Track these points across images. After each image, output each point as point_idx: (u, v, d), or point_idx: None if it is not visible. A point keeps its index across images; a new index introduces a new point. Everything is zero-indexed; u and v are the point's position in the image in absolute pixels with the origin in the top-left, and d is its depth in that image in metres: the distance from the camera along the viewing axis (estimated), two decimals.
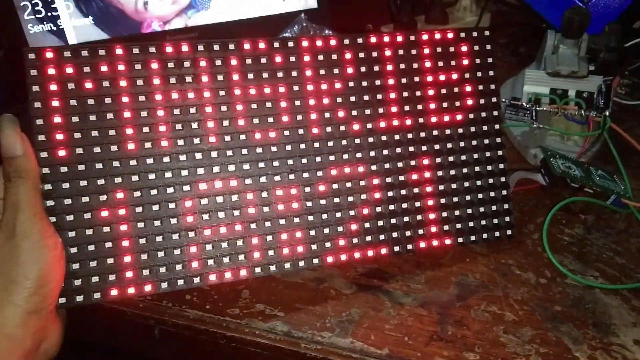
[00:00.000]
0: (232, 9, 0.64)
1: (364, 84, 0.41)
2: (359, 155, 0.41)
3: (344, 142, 0.41)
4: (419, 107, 0.43)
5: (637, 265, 0.44)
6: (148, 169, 0.37)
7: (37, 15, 0.57)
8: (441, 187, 0.43)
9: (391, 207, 0.42)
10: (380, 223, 0.42)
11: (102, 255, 0.36)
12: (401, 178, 0.42)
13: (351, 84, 0.41)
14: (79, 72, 0.36)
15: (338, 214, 0.41)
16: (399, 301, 0.40)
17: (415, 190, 0.43)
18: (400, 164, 0.42)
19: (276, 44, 0.40)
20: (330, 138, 0.41)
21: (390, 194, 0.42)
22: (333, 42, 0.41)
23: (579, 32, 0.56)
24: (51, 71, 0.36)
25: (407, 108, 0.42)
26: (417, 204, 0.43)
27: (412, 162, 0.43)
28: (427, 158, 0.43)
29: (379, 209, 0.42)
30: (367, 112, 0.42)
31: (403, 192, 0.42)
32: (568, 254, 0.45)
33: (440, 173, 0.43)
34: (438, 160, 0.43)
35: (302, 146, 0.40)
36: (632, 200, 0.48)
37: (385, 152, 0.42)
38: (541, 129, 0.55)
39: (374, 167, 0.42)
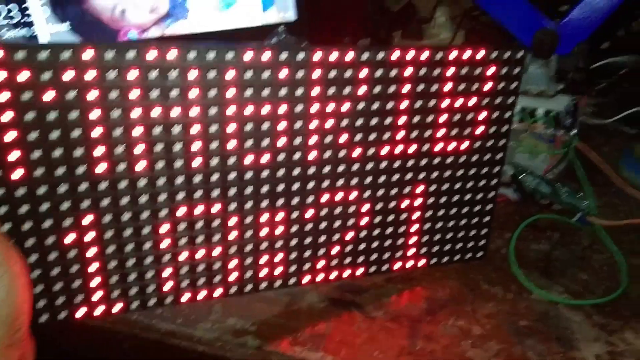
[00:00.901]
0: (210, 19, 0.62)
1: (375, 106, 0.36)
2: (354, 181, 0.38)
3: (341, 167, 0.37)
4: (427, 133, 0.39)
5: (599, 281, 0.45)
6: (121, 192, 0.33)
7: (11, 21, 0.54)
8: (428, 214, 0.42)
9: (375, 231, 0.41)
10: (361, 247, 0.41)
11: (68, 278, 0.33)
12: (392, 204, 0.40)
13: (360, 105, 0.36)
14: (37, 79, 0.29)
15: (322, 238, 0.39)
16: (370, 315, 0.41)
17: (403, 216, 0.41)
18: (393, 191, 0.40)
19: (284, 56, 0.33)
20: (328, 163, 0.37)
21: (377, 219, 0.40)
22: (350, 56, 0.34)
23: (549, 52, 0.56)
24: (1, 75, 0.28)
25: (414, 134, 0.38)
26: (402, 229, 0.41)
27: (407, 189, 0.40)
28: (423, 185, 0.40)
29: (363, 234, 0.40)
30: (372, 137, 0.37)
31: (390, 217, 0.41)
32: (534, 270, 0.46)
33: (431, 200, 0.41)
34: (432, 188, 0.41)
35: (296, 171, 0.36)
36: (597, 217, 0.50)
37: (382, 178, 0.39)
38: (510, 146, 0.55)
39: (367, 194, 0.39)
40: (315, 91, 0.34)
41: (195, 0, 0.63)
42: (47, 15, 0.55)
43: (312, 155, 0.36)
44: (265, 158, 0.35)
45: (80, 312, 0.35)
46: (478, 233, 0.44)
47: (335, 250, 0.40)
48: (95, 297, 0.35)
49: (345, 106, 0.36)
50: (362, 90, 0.36)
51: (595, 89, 0.68)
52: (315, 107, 0.35)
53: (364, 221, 0.40)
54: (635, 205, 0.54)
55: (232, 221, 0.36)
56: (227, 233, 0.36)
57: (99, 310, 0.35)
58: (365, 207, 0.39)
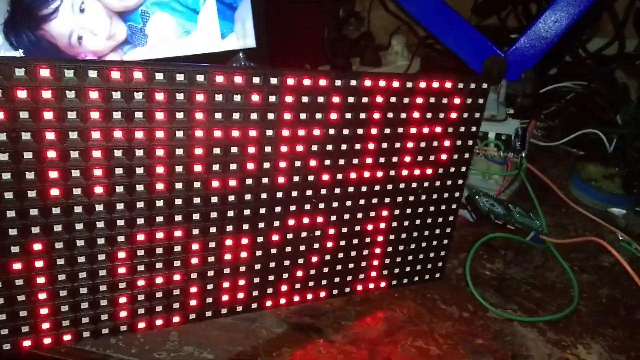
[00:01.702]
0: (169, 46, 0.61)
1: (345, 132, 0.36)
2: (321, 205, 0.37)
3: (309, 192, 0.37)
4: (394, 159, 0.38)
5: (552, 298, 0.47)
6: (75, 218, 0.30)
7: None
8: (392, 237, 0.42)
9: (340, 255, 0.40)
10: (325, 269, 0.40)
11: (14, 309, 0.31)
12: (357, 228, 0.40)
13: (332, 131, 0.35)
14: None
15: (286, 262, 0.38)
16: (330, 338, 0.41)
17: (367, 239, 0.41)
18: (359, 215, 0.39)
19: (256, 79, 0.31)
20: (296, 188, 0.36)
21: (342, 242, 0.40)
22: (323, 82, 0.33)
23: (498, 79, 0.59)
24: None
25: (382, 160, 0.38)
26: (365, 252, 0.41)
27: (372, 213, 0.40)
28: (387, 209, 0.40)
29: (327, 257, 0.40)
30: (341, 162, 0.37)
31: (355, 241, 0.40)
32: (489, 288, 0.47)
33: (394, 224, 0.41)
34: (397, 212, 0.41)
35: (264, 195, 0.35)
36: (548, 236, 0.52)
37: (349, 203, 0.38)
38: None
39: (333, 218, 0.38)
40: (287, 116, 0.33)
41: (154, 27, 0.61)
42: (0, 41, 0.52)
43: (281, 179, 0.35)
44: (232, 182, 0.34)
45: (26, 343, 0.32)
46: (437, 255, 0.45)
47: (299, 273, 0.39)
48: (44, 326, 0.32)
49: (317, 131, 0.35)
50: (333, 116, 0.35)
51: (543, 113, 0.70)
52: (286, 132, 0.34)
53: (329, 245, 0.39)
54: (584, 224, 0.56)
55: (195, 246, 0.34)
56: (189, 259, 0.34)
57: (47, 340, 0.33)
58: (331, 231, 0.39)
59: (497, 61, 0.59)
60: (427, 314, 0.44)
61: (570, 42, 0.78)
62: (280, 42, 0.69)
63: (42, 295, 0.31)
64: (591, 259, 0.52)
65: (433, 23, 0.66)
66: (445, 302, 0.45)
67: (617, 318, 0.44)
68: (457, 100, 0.38)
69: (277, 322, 0.41)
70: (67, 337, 0.33)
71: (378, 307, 0.44)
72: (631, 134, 0.63)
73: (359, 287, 0.42)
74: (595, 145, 0.67)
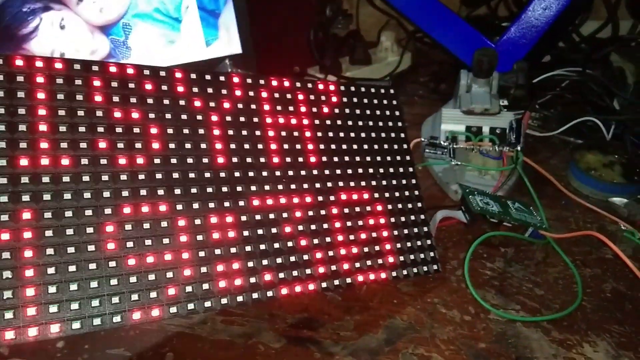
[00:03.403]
0: (153, 56, 0.61)
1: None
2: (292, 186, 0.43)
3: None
4: (344, 146, 0.46)
5: (555, 295, 0.45)
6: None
7: None
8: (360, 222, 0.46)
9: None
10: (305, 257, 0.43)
11: None
12: (322, 212, 0.44)
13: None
14: None
15: (276, 245, 0.42)
16: (329, 351, 0.40)
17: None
18: (320, 198, 0.44)
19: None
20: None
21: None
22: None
23: (489, 71, 0.58)
24: None
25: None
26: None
27: (332, 197, 0.45)
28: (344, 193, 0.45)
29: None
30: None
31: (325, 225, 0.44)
32: (490, 289, 0.46)
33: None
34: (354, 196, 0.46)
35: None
36: (548, 231, 0.50)
37: (306, 185, 0.44)
38: (460, 166, 0.56)
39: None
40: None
41: (137, 38, 0.60)
42: None
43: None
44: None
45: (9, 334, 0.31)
46: (424, 244, 0.47)
47: (292, 258, 0.42)
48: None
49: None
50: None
51: (538, 103, 0.69)
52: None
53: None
54: (585, 215, 0.55)
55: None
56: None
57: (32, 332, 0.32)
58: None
59: (487, 54, 0.57)
60: (428, 319, 0.43)
61: (563, 28, 0.76)
62: (268, 46, 0.69)
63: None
64: (593, 251, 0.50)
65: (420, 17, 0.64)
66: (446, 306, 0.44)
67: (623, 313, 0.43)
68: (375, 100, 0.49)
69: (274, 336, 0.40)
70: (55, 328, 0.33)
71: (377, 315, 0.43)
72: (630, 119, 0.62)
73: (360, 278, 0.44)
74: (594, 133, 0.65)
